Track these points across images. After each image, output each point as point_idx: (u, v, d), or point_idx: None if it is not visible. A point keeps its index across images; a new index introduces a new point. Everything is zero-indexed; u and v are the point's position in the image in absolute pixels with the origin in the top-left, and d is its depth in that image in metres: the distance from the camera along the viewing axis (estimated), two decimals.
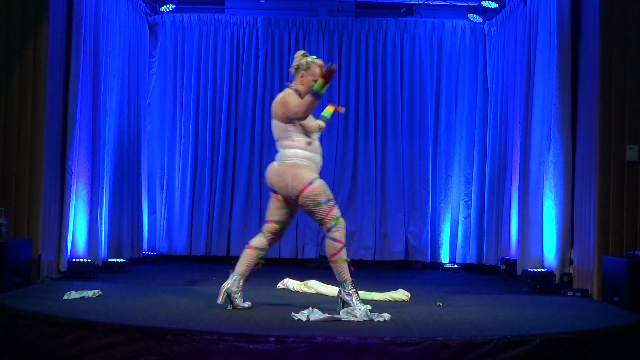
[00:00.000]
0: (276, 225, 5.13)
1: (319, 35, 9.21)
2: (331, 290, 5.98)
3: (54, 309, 4.62)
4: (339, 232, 4.91)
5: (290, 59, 9.23)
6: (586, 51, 6.54)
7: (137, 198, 8.62)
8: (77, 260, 6.77)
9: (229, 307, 5.00)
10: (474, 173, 9.01)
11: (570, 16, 6.83)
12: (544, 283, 6.61)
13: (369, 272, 8.38)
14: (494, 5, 8.51)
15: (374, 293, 5.83)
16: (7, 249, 5.57)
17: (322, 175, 8.73)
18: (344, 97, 9.17)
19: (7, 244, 5.61)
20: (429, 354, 4.00)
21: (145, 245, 8.94)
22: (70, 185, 6.75)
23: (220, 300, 4.99)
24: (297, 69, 5.12)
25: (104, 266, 7.37)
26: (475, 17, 8.81)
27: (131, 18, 8.38)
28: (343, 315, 4.69)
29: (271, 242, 5.15)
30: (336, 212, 4.97)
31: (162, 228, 9.11)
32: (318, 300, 5.49)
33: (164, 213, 9.11)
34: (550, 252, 6.87)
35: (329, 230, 4.92)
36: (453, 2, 9.00)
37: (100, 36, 7.32)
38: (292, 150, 5.02)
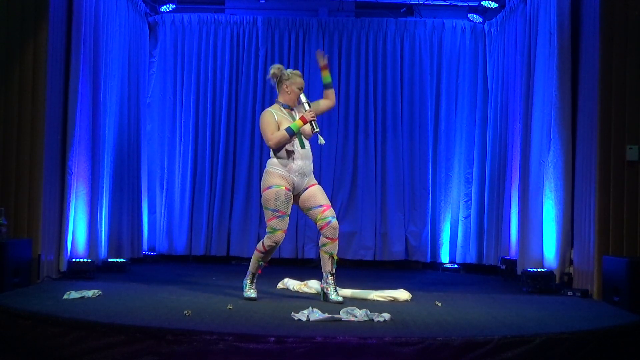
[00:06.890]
0: None
1: (319, 35, 9.20)
2: None
3: (54, 309, 4.62)
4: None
5: (290, 59, 9.27)
6: (586, 51, 6.54)
7: (137, 198, 8.61)
8: (77, 260, 6.76)
9: (229, 306, 5.01)
10: (474, 173, 9.00)
11: (570, 16, 6.83)
12: (544, 283, 6.60)
13: (369, 272, 8.39)
14: (494, 5, 8.50)
15: (374, 292, 5.83)
16: (7, 249, 5.57)
17: (322, 175, 8.92)
18: (344, 97, 9.16)
19: (7, 244, 5.61)
20: (429, 354, 4.00)
21: (145, 245, 8.92)
22: (70, 185, 6.74)
23: None
24: (280, 80, 5.51)
25: (104, 266, 7.36)
26: (475, 17, 8.80)
27: (131, 18, 8.37)
28: (343, 315, 4.70)
29: None
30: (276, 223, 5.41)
31: (162, 228, 9.09)
32: (318, 300, 5.50)
33: (164, 213, 9.10)
34: (550, 252, 6.87)
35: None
36: (453, 2, 8.99)
37: (100, 36, 7.32)
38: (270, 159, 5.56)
